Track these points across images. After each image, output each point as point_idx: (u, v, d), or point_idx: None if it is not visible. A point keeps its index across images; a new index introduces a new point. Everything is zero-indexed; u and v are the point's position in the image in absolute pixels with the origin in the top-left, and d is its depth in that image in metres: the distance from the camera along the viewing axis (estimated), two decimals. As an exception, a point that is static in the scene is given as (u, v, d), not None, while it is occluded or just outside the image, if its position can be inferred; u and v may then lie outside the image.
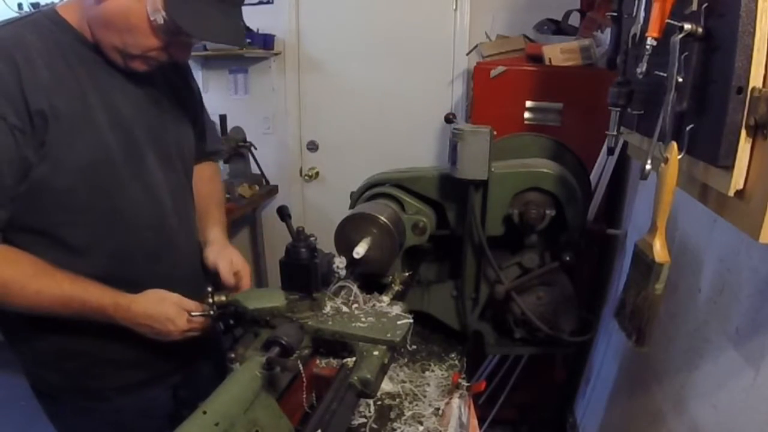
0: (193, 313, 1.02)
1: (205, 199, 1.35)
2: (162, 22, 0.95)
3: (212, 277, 1.20)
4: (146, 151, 1.10)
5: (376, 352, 0.87)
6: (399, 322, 0.94)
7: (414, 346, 1.29)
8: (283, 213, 1.07)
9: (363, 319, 0.94)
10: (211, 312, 1.02)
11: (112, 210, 1.06)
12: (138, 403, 1.18)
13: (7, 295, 0.95)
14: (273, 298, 0.96)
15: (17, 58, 0.92)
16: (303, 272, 0.94)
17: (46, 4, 1.03)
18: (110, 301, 1.00)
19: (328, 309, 0.97)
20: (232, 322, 1.00)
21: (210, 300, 1.01)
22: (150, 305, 1.01)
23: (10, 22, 0.99)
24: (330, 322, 0.94)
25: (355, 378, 0.82)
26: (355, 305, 1.00)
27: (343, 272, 1.05)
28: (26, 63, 0.93)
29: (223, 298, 1.02)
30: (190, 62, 1.27)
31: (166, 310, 1.01)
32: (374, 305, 1.01)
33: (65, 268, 0.99)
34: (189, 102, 1.26)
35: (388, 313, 0.97)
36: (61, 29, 1.00)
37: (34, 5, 2.82)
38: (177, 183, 1.20)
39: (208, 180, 1.39)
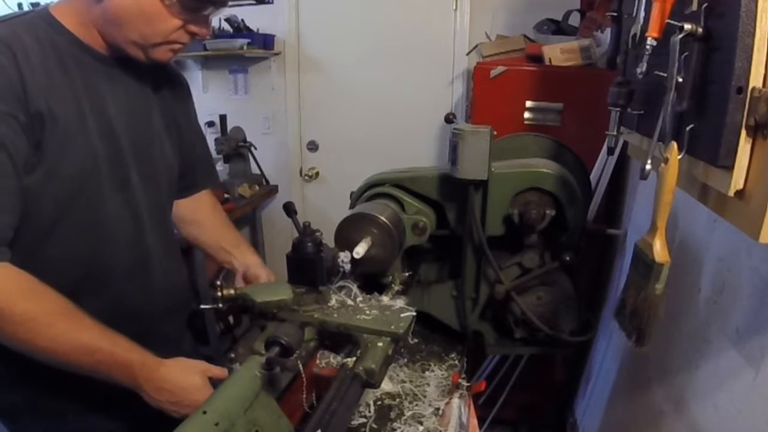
0: (202, 306, 1.00)
1: (227, 226, 1.38)
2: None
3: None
4: (131, 163, 1.06)
5: (380, 344, 0.88)
6: (402, 315, 0.95)
7: (414, 345, 1.29)
8: (289, 209, 1.07)
9: (367, 312, 0.96)
10: (220, 305, 1.01)
11: (91, 222, 1.01)
12: (101, 426, 1.11)
13: (30, 330, 0.85)
14: (280, 292, 0.98)
15: (18, 57, 0.87)
16: (309, 266, 0.95)
17: (48, 4, 1.02)
18: (138, 357, 0.92)
19: (333, 302, 0.98)
20: (223, 326, 0.99)
21: (219, 293, 1.01)
22: (178, 373, 0.94)
23: (5, 20, 0.94)
24: (335, 315, 0.95)
25: (360, 368, 0.83)
26: (359, 299, 1.00)
27: (348, 266, 1.05)
28: (25, 62, 0.88)
29: (232, 291, 1.02)
30: (191, 61, 1.26)
31: (194, 379, 0.94)
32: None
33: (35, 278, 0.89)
34: (181, 124, 1.23)
35: (391, 306, 0.99)
36: (56, 31, 0.96)
37: (34, 5, 2.83)
38: (157, 200, 1.15)
39: (213, 208, 1.39)
